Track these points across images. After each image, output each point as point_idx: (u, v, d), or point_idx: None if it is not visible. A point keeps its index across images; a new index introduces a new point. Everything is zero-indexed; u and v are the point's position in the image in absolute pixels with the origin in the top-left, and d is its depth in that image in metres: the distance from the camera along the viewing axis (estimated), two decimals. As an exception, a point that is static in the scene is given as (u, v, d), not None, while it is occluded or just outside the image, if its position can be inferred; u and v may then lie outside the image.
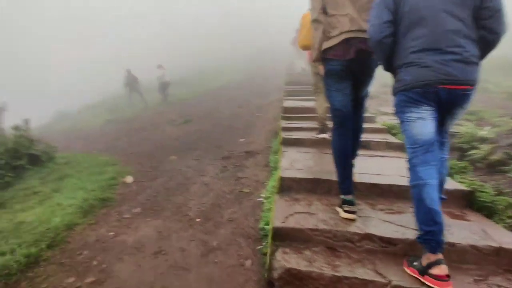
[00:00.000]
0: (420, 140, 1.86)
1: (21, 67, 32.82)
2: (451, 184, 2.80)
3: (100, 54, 32.65)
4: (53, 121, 16.45)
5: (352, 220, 2.32)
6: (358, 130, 2.60)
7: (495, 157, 4.21)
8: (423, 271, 1.81)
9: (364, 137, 2.93)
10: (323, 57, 2.36)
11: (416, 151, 1.87)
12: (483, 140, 5.14)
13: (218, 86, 15.93)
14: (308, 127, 4.77)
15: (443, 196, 2.05)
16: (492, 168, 4.28)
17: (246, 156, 4.92)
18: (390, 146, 3.97)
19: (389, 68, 2.03)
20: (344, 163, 2.41)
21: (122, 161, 5.50)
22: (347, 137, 2.41)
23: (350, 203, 2.37)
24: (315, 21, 2.33)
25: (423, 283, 1.79)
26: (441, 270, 1.75)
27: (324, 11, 2.31)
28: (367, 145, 3.92)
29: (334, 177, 2.52)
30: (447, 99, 1.82)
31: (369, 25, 1.98)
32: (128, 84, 14.04)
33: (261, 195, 3.35)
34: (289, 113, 5.81)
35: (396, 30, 1.91)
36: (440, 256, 1.78)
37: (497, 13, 1.76)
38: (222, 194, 3.56)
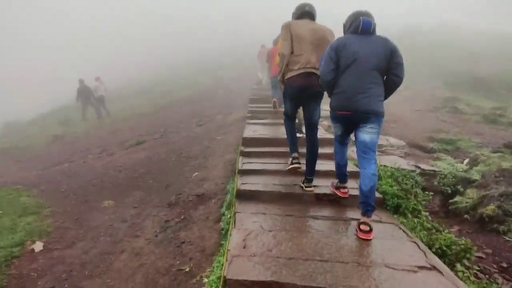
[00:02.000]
0: (337, 134, 3.16)
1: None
2: None
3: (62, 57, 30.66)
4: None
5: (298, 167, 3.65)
6: (313, 145, 3.53)
7: (488, 211, 3.62)
8: (337, 187, 3.38)
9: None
10: (285, 82, 3.37)
11: (336, 137, 3.20)
12: (469, 182, 4.60)
13: (182, 96, 14.96)
14: (269, 169, 4.00)
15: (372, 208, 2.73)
16: (484, 224, 3.69)
17: (196, 203, 4.07)
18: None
19: (329, 95, 2.94)
20: (293, 137, 3.74)
21: (48, 204, 4.46)
22: (294, 124, 3.76)
23: (296, 158, 3.65)
24: (281, 55, 3.26)
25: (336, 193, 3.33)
26: (345, 190, 3.37)
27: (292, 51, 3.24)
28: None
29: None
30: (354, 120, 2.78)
31: (320, 70, 2.90)
32: (80, 96, 12.75)
33: (204, 279, 2.51)
34: (249, 145, 5.01)
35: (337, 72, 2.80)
36: (345, 184, 3.38)
37: (399, 67, 2.69)
38: (154, 276, 2.68)
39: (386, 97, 2.80)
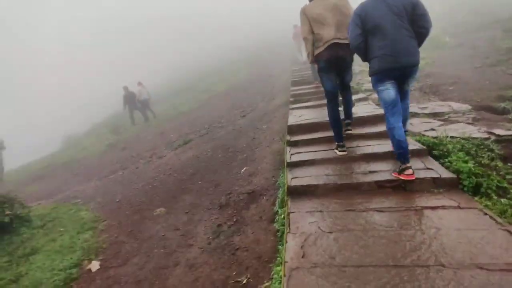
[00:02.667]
0: (388, 101, 3.02)
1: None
2: None
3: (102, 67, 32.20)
4: (59, 149, 15.90)
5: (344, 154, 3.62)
6: (348, 101, 4.02)
7: None
8: (400, 172, 2.97)
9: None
10: (316, 59, 3.65)
11: (387, 108, 3.05)
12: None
13: (220, 90, 14.91)
14: (320, 158, 3.68)
15: (406, 129, 3.25)
16: None
17: (247, 201, 3.90)
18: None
19: (365, 60, 3.14)
20: (337, 125, 3.76)
21: (104, 217, 4.57)
22: (336, 108, 3.74)
23: (342, 146, 3.72)
24: (305, 39, 3.64)
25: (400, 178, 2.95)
26: (409, 172, 2.91)
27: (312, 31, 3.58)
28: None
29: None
30: (401, 75, 2.98)
31: (348, 36, 3.14)
32: (126, 102, 13.23)
33: (264, 291, 2.32)
34: (295, 133, 4.71)
35: (366, 37, 3.01)
36: (408, 164, 2.94)
37: (424, 16, 2.88)
38: (210, 290, 2.54)
39: (419, 45, 3.01)
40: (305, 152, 3.99)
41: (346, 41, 3.40)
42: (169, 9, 38.70)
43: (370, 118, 4.64)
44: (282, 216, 2.94)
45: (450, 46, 12.52)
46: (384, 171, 3.19)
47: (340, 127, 3.78)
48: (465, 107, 5.58)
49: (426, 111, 5.52)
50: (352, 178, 3.12)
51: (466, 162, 3.13)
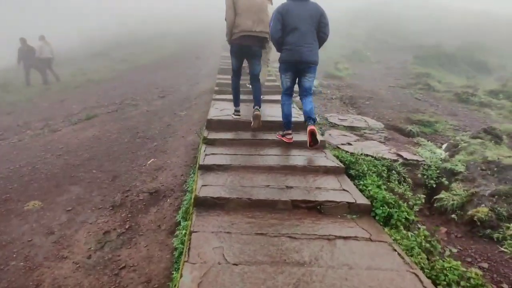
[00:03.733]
0: (285, 87, 3.96)
1: None
2: None
3: None
4: None
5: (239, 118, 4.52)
6: (257, 88, 4.44)
7: (480, 214, 3.22)
8: (283, 135, 3.98)
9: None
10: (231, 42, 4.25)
11: (284, 91, 4.00)
12: (453, 173, 4.23)
13: (141, 63, 13.62)
14: (237, 164, 3.35)
15: (314, 117, 3.81)
16: (474, 227, 3.31)
17: (147, 203, 3.38)
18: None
19: (278, 50, 3.85)
20: (236, 93, 4.65)
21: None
22: (238, 81, 4.56)
23: (238, 111, 4.65)
24: (227, 21, 4.11)
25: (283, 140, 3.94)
26: (290, 137, 3.94)
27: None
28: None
29: None
30: (301, 69, 3.78)
31: (270, 30, 3.85)
32: (22, 58, 11.14)
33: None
34: (214, 129, 4.30)
35: (283, 32, 3.66)
36: (289, 131, 3.97)
37: (326, 26, 3.71)
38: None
39: (319, 47, 3.81)
40: (221, 154, 3.61)
41: (260, 35, 4.11)
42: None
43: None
44: (184, 232, 2.52)
45: (370, 61, 13.40)
46: (301, 187, 3.00)
47: (239, 94, 4.62)
48: (379, 124, 5.83)
49: (345, 123, 5.62)
50: (267, 193, 2.84)
51: (379, 187, 3.11)
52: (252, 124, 4.14)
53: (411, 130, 5.78)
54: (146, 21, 25.83)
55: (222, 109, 5.03)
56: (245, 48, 4.15)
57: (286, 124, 3.95)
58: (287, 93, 3.98)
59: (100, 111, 7.47)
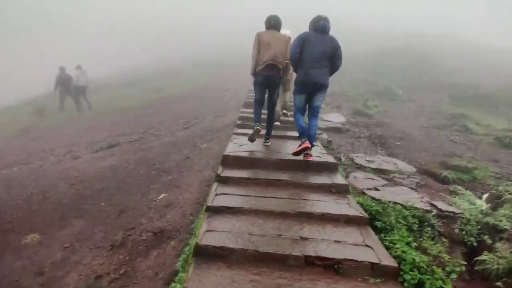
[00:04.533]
0: (298, 106, 4.36)
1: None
2: None
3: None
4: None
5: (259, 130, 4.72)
6: (270, 118, 4.99)
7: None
8: (299, 145, 4.11)
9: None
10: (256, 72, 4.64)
11: (297, 110, 4.38)
12: (496, 230, 3.69)
13: (171, 94, 13.91)
14: (248, 208, 3.03)
15: (314, 144, 4.30)
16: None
17: (149, 245, 3.11)
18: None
19: (295, 70, 4.36)
20: (258, 113, 4.85)
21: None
22: (260, 108, 4.85)
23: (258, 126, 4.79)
24: (253, 57, 4.60)
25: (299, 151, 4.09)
26: (306, 141, 4.11)
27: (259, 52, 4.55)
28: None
29: None
30: (313, 90, 4.19)
31: (290, 52, 4.31)
32: (60, 85, 11.70)
33: None
34: (230, 165, 4.06)
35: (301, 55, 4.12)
36: (304, 140, 4.13)
37: (339, 58, 4.15)
38: None
39: (330, 75, 4.23)
40: (233, 194, 3.33)
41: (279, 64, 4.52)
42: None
43: (314, 164, 4.15)
44: (178, 286, 2.21)
45: (401, 99, 12.93)
46: (318, 240, 2.63)
47: (260, 115, 4.82)
48: (410, 168, 5.37)
49: (373, 166, 5.21)
50: (278, 245, 2.50)
51: (409, 244, 2.69)
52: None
53: (446, 176, 5.25)
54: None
55: (241, 145, 4.81)
56: (267, 78, 4.65)
57: (301, 134, 4.25)
58: (301, 112, 4.38)
59: (122, 140, 7.49)
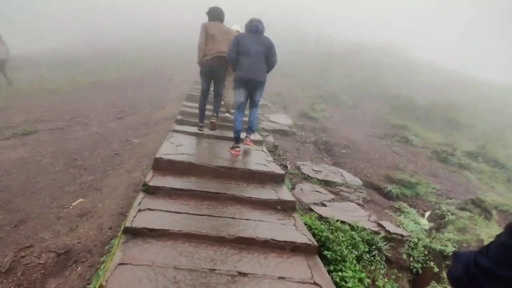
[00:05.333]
0: (239, 102, 4.41)
1: None
2: None
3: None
4: None
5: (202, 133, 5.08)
6: (217, 103, 5.16)
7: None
8: (232, 148, 4.39)
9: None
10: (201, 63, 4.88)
11: (237, 106, 4.44)
12: (443, 256, 3.56)
13: (109, 77, 12.64)
14: (178, 231, 2.48)
15: (253, 130, 4.67)
16: None
17: (46, 271, 2.43)
18: None
19: (233, 69, 4.49)
20: (202, 111, 5.20)
21: None
22: (205, 100, 5.14)
23: (202, 127, 5.20)
24: (199, 48, 4.79)
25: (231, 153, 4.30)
26: (237, 149, 4.37)
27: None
28: None
29: None
30: (251, 86, 4.35)
31: (227, 52, 4.42)
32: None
33: None
34: (161, 172, 3.46)
35: (238, 55, 4.31)
36: (238, 145, 4.42)
37: (274, 54, 4.39)
38: None
39: (268, 72, 4.46)
40: (161, 210, 2.75)
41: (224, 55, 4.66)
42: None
43: (258, 174, 3.71)
44: None
45: (346, 105, 13.12)
46: (259, 276, 2.18)
47: (204, 112, 5.21)
48: (357, 181, 5.20)
49: (320, 176, 4.94)
50: (210, 284, 2.00)
51: (362, 281, 2.37)
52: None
53: (391, 190, 5.17)
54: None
55: (178, 145, 4.22)
56: (213, 67, 4.89)
57: (236, 138, 4.46)
58: (241, 109, 4.47)
59: (42, 127, 6.42)
